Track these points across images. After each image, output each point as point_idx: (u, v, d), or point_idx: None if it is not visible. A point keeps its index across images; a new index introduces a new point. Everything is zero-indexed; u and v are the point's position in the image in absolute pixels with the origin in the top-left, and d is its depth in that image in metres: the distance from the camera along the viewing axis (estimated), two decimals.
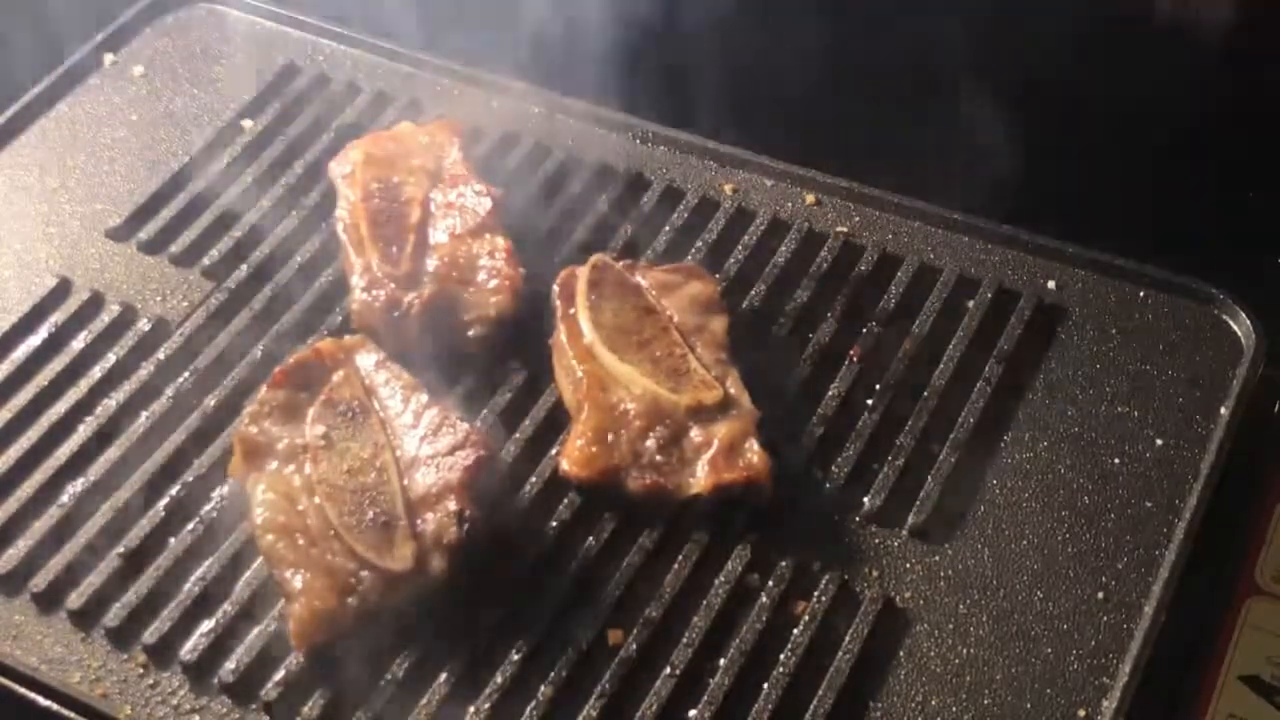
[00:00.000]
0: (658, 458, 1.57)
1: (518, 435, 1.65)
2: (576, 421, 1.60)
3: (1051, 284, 1.79)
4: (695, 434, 1.59)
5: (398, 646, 1.48)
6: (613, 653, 1.48)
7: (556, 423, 1.66)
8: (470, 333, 1.71)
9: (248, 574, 1.54)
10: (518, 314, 1.71)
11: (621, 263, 1.75)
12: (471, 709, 1.45)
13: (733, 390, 1.61)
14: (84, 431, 1.68)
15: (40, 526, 1.60)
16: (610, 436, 1.58)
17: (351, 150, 1.86)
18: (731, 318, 1.70)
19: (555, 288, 1.71)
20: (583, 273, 1.71)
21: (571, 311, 1.68)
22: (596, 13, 1.93)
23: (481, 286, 1.72)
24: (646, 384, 1.60)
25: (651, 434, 1.58)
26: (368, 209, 1.78)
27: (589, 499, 1.58)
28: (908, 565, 1.55)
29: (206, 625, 1.51)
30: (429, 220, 1.78)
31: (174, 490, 1.62)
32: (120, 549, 1.57)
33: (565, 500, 1.59)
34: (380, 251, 1.74)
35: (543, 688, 1.46)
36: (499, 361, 1.71)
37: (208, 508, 1.60)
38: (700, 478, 1.56)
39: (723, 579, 1.53)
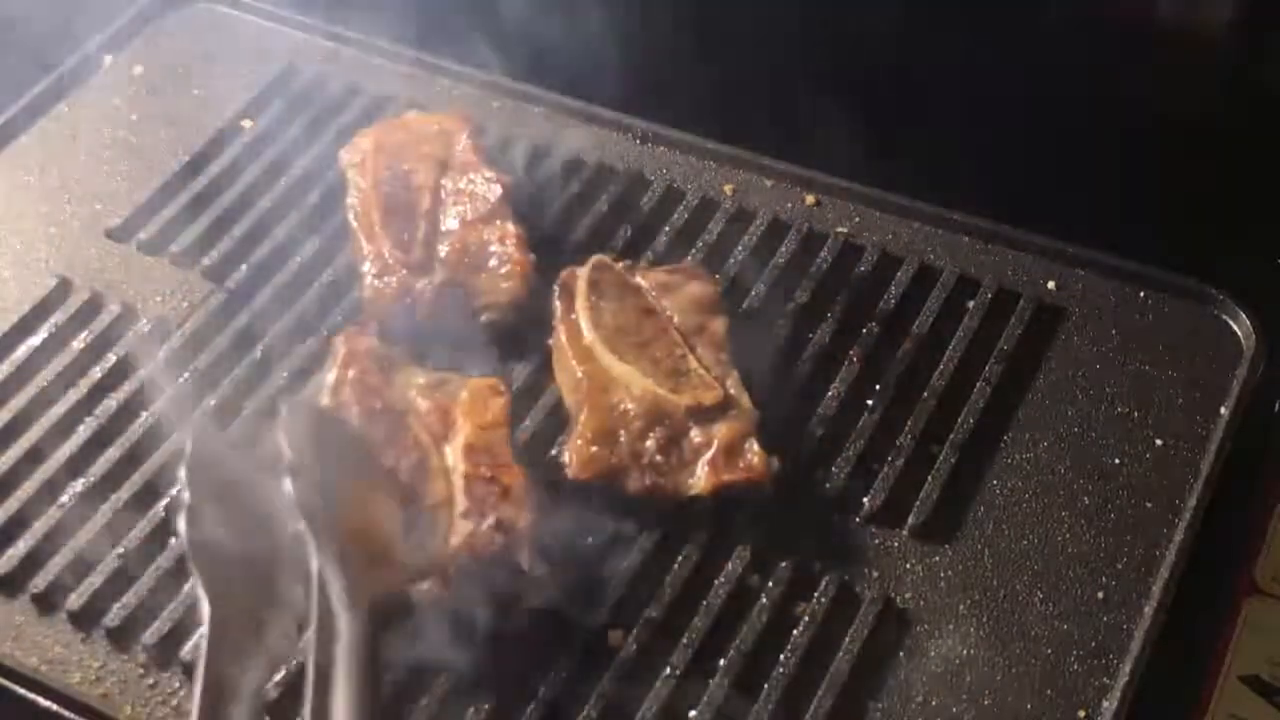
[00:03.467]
0: (658, 458, 1.57)
1: (518, 435, 1.65)
2: (577, 422, 1.60)
3: (1051, 284, 1.79)
4: (695, 434, 1.58)
5: (398, 647, 1.48)
6: (613, 653, 1.48)
7: (557, 423, 1.66)
8: (482, 318, 1.71)
9: None
10: (528, 299, 1.71)
11: (621, 263, 1.75)
12: (471, 709, 1.45)
13: (732, 391, 1.61)
14: (84, 431, 1.68)
15: (40, 526, 1.60)
16: (610, 437, 1.58)
17: (362, 139, 1.87)
18: (731, 318, 1.70)
19: (555, 288, 1.71)
20: (582, 273, 1.71)
21: (571, 313, 1.68)
22: (596, 14, 1.93)
23: (493, 272, 1.73)
24: (646, 385, 1.60)
25: (651, 435, 1.58)
26: (379, 196, 1.79)
27: (589, 499, 1.58)
28: (908, 565, 1.55)
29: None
30: (440, 207, 1.79)
31: (174, 490, 1.62)
32: (120, 549, 1.57)
33: (565, 500, 1.59)
34: (392, 238, 1.75)
35: (542, 688, 1.46)
36: (500, 361, 1.71)
37: None
38: (700, 478, 1.56)
39: (723, 579, 1.53)
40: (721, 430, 1.58)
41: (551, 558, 1.51)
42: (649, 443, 1.57)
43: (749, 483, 1.56)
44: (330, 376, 1.60)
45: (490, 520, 1.47)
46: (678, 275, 1.73)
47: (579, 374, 1.62)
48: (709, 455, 1.57)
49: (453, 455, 1.55)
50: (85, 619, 1.53)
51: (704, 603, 1.51)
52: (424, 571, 1.44)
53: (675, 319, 1.68)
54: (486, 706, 1.45)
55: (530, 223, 1.80)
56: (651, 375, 1.61)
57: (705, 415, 1.59)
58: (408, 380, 1.62)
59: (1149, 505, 1.58)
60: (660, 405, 1.59)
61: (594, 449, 1.57)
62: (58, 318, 1.79)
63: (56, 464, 1.65)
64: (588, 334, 1.66)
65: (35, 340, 1.77)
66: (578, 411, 1.61)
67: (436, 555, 1.45)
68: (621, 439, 1.58)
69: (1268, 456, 1.64)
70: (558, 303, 1.70)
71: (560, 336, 1.67)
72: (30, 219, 1.91)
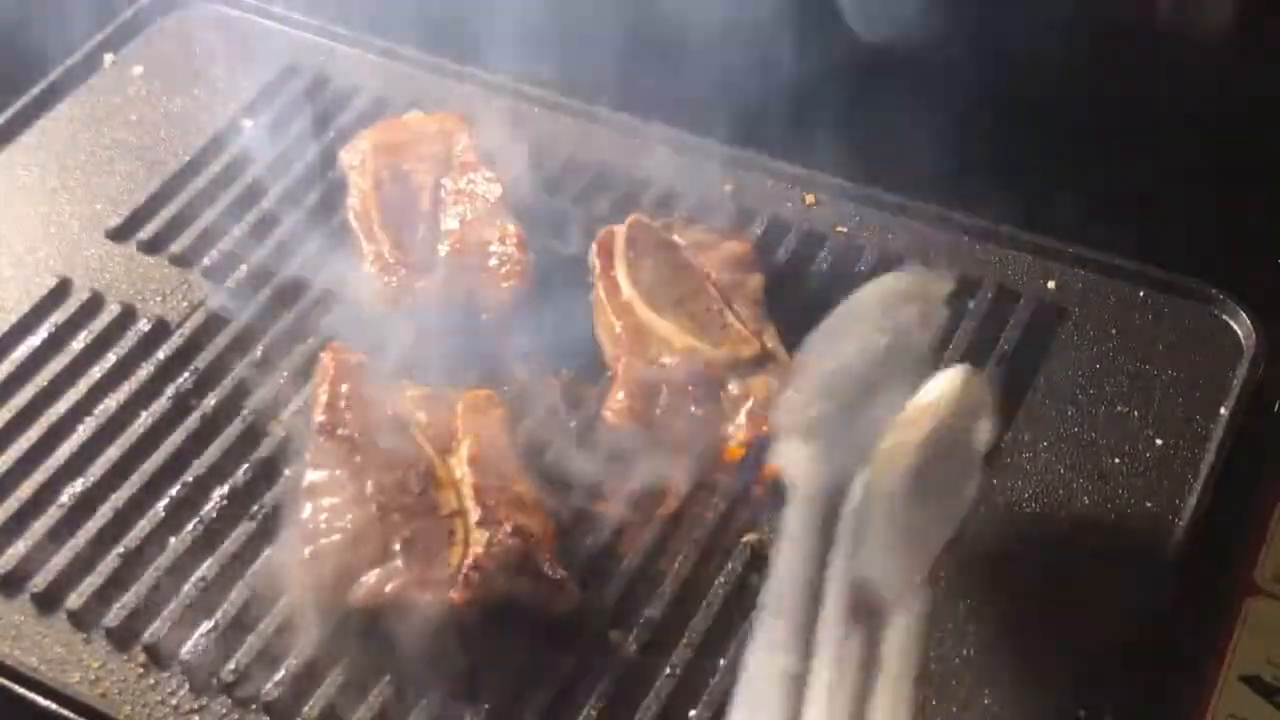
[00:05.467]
0: (697, 411, 1.57)
1: (517, 430, 1.64)
2: (615, 375, 1.61)
3: (1051, 284, 1.79)
4: (733, 387, 1.61)
5: (399, 647, 1.48)
6: (613, 653, 1.48)
7: (557, 426, 1.65)
8: (482, 318, 1.71)
9: (248, 574, 1.54)
10: (528, 299, 1.71)
11: (659, 222, 1.76)
12: (471, 710, 1.45)
13: (770, 344, 1.64)
14: (84, 431, 1.68)
15: (40, 526, 1.60)
16: (650, 390, 1.59)
17: (361, 139, 1.88)
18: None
19: (594, 246, 1.73)
20: (620, 231, 1.73)
21: (611, 270, 1.69)
22: (596, 13, 1.93)
23: (493, 272, 1.73)
24: (686, 339, 1.62)
25: (690, 387, 1.59)
26: (379, 196, 1.80)
27: (588, 499, 1.58)
28: None
29: (206, 625, 1.51)
30: (440, 207, 1.80)
31: (174, 490, 1.62)
32: (120, 549, 1.57)
33: (564, 500, 1.59)
34: (392, 238, 1.75)
35: (542, 688, 1.46)
36: (506, 351, 1.71)
37: (208, 508, 1.60)
38: (741, 427, 1.57)
39: (723, 579, 1.53)
40: (759, 382, 1.59)
41: (571, 562, 1.52)
42: (688, 395, 1.58)
43: None
44: (323, 391, 1.60)
45: (507, 528, 1.47)
46: (713, 234, 1.76)
47: (618, 329, 1.64)
48: (748, 407, 1.59)
49: (458, 466, 1.55)
50: (85, 619, 1.53)
51: (704, 603, 1.51)
52: (449, 580, 1.45)
53: (712, 275, 1.69)
54: (486, 706, 1.45)
55: (530, 223, 1.80)
56: (690, 330, 1.63)
57: (743, 368, 1.61)
58: (401, 393, 1.62)
59: (1149, 505, 1.58)
60: (699, 359, 1.61)
61: (634, 401, 1.58)
62: (58, 318, 1.79)
63: (56, 464, 1.65)
64: (626, 289, 1.67)
65: (35, 340, 1.77)
66: (615, 364, 1.62)
67: (457, 563, 1.46)
68: (661, 391, 1.58)
69: (1268, 456, 1.64)
70: (596, 260, 1.72)
71: (599, 293, 1.69)
72: (30, 219, 1.91)
